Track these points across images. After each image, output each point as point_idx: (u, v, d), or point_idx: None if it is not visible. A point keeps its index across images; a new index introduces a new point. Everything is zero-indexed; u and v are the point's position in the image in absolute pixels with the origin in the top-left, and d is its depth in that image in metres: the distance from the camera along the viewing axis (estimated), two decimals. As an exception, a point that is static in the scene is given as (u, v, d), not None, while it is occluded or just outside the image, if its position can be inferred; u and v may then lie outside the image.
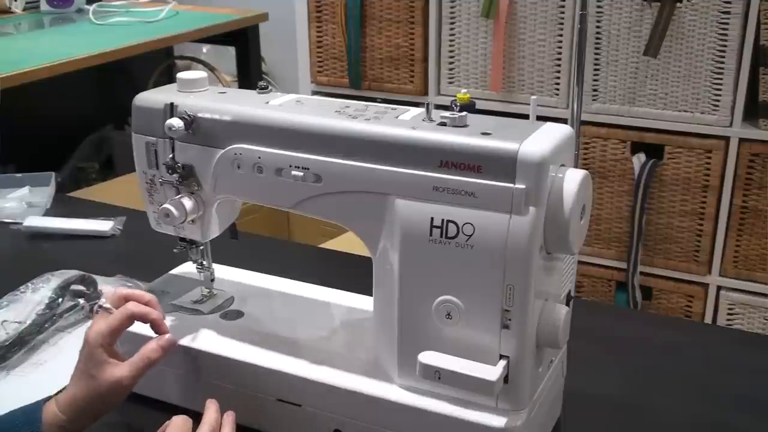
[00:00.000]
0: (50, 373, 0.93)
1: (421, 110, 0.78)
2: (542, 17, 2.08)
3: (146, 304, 0.83)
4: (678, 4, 1.92)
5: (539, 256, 0.70)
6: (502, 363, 0.72)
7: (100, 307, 0.81)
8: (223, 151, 0.82)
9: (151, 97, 0.86)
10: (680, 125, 2.01)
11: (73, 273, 1.09)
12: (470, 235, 0.70)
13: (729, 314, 2.09)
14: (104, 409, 0.79)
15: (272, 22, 2.51)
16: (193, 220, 0.87)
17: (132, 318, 0.81)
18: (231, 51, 2.58)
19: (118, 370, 0.78)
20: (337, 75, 2.42)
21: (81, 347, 0.80)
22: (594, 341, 0.98)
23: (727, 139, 1.97)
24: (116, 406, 0.80)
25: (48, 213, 1.42)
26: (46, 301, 1.03)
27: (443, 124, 0.74)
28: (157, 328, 0.82)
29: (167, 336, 0.82)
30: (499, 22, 2.11)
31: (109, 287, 1.13)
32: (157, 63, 2.71)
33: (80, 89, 2.64)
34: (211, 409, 0.77)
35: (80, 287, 1.08)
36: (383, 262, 0.77)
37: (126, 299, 0.82)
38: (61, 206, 1.46)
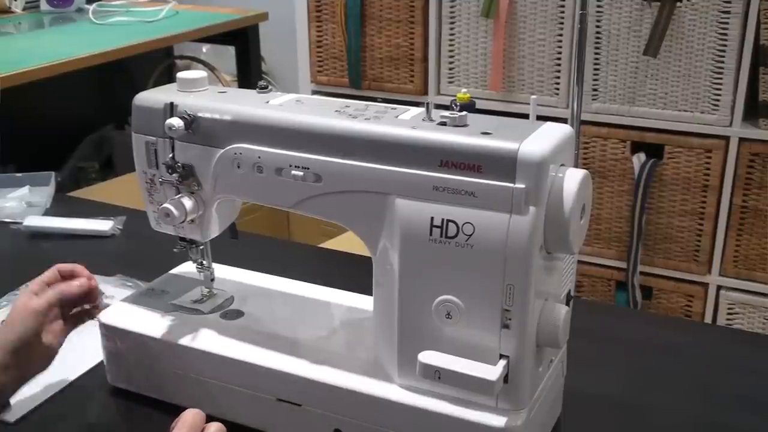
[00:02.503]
0: (50, 372, 0.93)
1: (421, 110, 0.78)
2: (542, 17, 2.08)
3: (71, 274, 0.87)
4: (678, 4, 1.92)
5: (539, 256, 0.70)
6: (502, 363, 0.72)
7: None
8: (223, 150, 0.82)
9: (151, 97, 0.86)
10: (680, 125, 2.01)
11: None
12: (470, 235, 0.70)
13: (729, 314, 2.09)
14: (25, 339, 0.81)
15: (272, 22, 2.51)
16: (193, 220, 0.87)
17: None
18: (231, 51, 2.58)
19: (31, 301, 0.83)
20: (337, 75, 2.42)
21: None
22: (594, 341, 0.98)
23: (727, 138, 1.97)
24: (33, 330, 0.82)
25: (48, 213, 1.42)
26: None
27: (443, 123, 0.74)
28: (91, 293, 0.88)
29: (89, 282, 0.87)
30: (499, 22, 2.11)
31: (109, 287, 1.13)
32: (157, 63, 2.72)
33: (80, 89, 2.64)
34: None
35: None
36: (383, 261, 0.77)
37: (48, 284, 0.85)
38: (61, 206, 1.46)
